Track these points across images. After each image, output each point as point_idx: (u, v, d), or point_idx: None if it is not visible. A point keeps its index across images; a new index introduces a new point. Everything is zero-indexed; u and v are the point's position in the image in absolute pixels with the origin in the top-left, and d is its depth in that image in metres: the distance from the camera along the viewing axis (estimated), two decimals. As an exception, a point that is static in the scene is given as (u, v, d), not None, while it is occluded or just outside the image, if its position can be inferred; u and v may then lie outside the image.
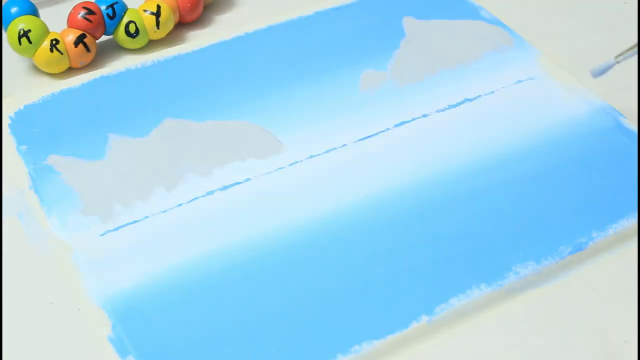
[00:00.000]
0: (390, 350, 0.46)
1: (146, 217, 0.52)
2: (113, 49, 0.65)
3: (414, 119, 0.59)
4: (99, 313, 0.47)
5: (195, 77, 0.61)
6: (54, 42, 0.61)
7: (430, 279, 0.49)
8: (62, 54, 0.61)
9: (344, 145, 0.57)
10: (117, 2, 0.63)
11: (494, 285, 0.49)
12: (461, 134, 0.57)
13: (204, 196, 0.53)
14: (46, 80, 0.62)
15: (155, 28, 0.64)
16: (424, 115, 0.59)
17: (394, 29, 0.66)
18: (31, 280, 0.49)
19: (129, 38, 0.63)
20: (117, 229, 0.51)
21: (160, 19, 0.64)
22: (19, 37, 0.60)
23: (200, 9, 0.67)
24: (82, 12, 0.62)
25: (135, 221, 0.52)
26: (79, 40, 0.61)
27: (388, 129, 0.58)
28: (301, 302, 0.48)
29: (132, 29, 0.63)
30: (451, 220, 0.52)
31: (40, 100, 0.59)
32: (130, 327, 0.46)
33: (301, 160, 0.56)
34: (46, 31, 0.61)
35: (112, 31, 0.63)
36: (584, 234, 0.51)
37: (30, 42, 0.60)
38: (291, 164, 0.55)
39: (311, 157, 0.56)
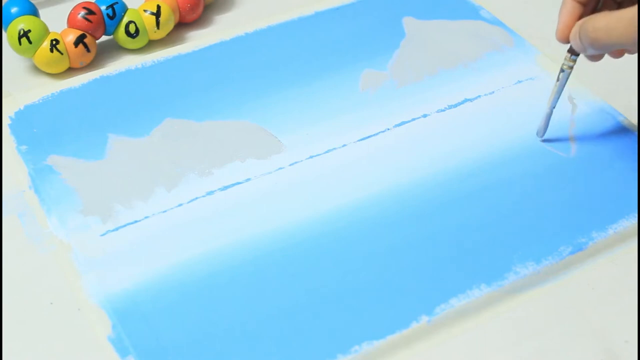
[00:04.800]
0: (390, 350, 0.46)
1: (146, 217, 0.52)
2: (113, 49, 0.65)
3: (414, 119, 0.59)
4: (99, 313, 0.47)
5: (195, 77, 0.61)
6: (54, 42, 0.61)
7: (430, 279, 0.49)
8: (62, 54, 0.61)
9: (344, 145, 0.57)
10: (117, 2, 0.63)
11: (494, 285, 0.49)
12: (461, 134, 0.57)
13: (204, 196, 0.53)
14: (46, 80, 0.62)
15: (155, 28, 0.64)
16: (424, 115, 0.59)
17: (394, 29, 0.66)
18: (31, 280, 0.49)
19: (129, 38, 0.63)
20: (117, 229, 0.51)
21: (160, 19, 0.64)
22: (19, 37, 0.60)
23: (200, 9, 0.67)
24: (82, 12, 0.62)
25: (135, 221, 0.52)
26: (79, 40, 0.61)
27: (388, 129, 0.58)
28: (301, 302, 0.48)
29: (132, 29, 0.63)
30: (451, 220, 0.52)
31: (40, 100, 0.59)
32: (130, 327, 0.46)
33: (301, 160, 0.56)
34: (46, 31, 0.61)
35: (112, 31, 0.63)
36: (584, 234, 0.51)
37: (30, 42, 0.60)
38: (291, 164, 0.55)
39: (311, 157, 0.56)
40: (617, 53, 0.53)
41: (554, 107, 0.56)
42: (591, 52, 0.50)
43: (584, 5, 0.52)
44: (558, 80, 0.54)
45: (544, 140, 0.56)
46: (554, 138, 0.57)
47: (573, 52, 0.53)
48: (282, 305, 0.48)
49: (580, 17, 0.51)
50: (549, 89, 0.61)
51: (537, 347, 0.47)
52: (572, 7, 0.52)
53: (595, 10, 0.52)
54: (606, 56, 0.53)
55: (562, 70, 0.54)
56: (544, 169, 0.55)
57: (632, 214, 0.53)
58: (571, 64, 0.54)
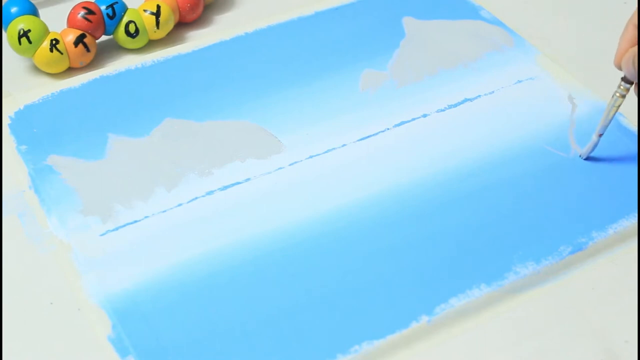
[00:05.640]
0: (390, 350, 0.46)
1: (146, 217, 0.52)
2: (113, 49, 0.65)
3: (414, 119, 0.59)
4: (99, 313, 0.47)
5: (195, 77, 0.61)
6: (53, 42, 0.61)
7: (430, 279, 0.49)
8: (62, 54, 0.61)
9: (344, 145, 0.57)
10: (117, 2, 0.63)
11: (494, 285, 0.49)
12: (461, 134, 0.57)
13: (204, 196, 0.53)
14: (46, 80, 0.62)
15: (155, 28, 0.64)
16: (424, 115, 0.59)
17: (394, 29, 0.66)
18: (31, 280, 0.49)
19: (129, 38, 0.63)
20: (117, 229, 0.51)
21: (160, 19, 0.64)
22: (19, 37, 0.60)
23: (200, 9, 0.67)
24: (82, 12, 0.62)
25: (135, 221, 0.52)
26: (79, 40, 0.61)
27: (388, 129, 0.58)
28: (301, 302, 0.48)
29: (132, 29, 0.63)
30: (451, 220, 0.52)
31: (40, 100, 0.59)
32: (130, 327, 0.46)
33: (301, 160, 0.56)
34: (46, 31, 0.61)
35: (112, 31, 0.63)
36: (584, 234, 0.51)
37: (30, 42, 0.60)
38: (291, 164, 0.55)
39: (311, 157, 0.56)
40: None
41: (601, 135, 0.54)
42: None
43: None
44: (608, 107, 0.53)
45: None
46: (554, 138, 0.57)
47: (627, 81, 0.51)
48: (282, 305, 0.48)
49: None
50: (549, 89, 0.61)
51: (537, 347, 0.47)
52: (633, 34, 0.50)
53: None
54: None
55: (613, 98, 0.52)
56: (544, 169, 0.55)
57: (632, 214, 0.53)
58: (624, 92, 0.52)
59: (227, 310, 0.47)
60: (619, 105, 0.53)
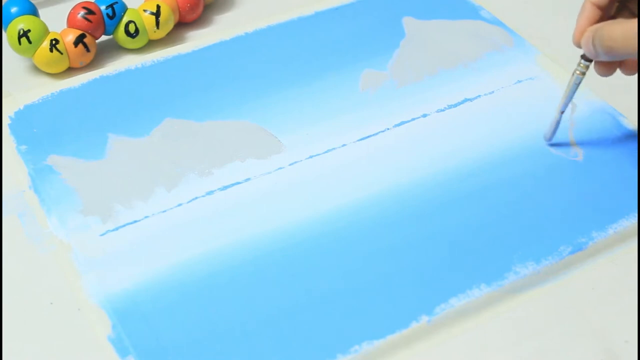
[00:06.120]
0: (390, 350, 0.46)
1: (146, 217, 0.52)
2: (113, 49, 0.65)
3: (414, 119, 0.59)
4: (99, 313, 0.47)
5: (195, 77, 0.61)
6: (53, 42, 0.61)
7: (430, 279, 0.49)
8: (61, 53, 0.61)
9: (344, 145, 0.57)
10: (116, 2, 0.63)
11: (494, 285, 0.49)
12: (461, 134, 0.57)
13: (204, 196, 0.53)
14: (46, 80, 0.62)
15: (155, 28, 0.64)
16: (424, 115, 0.59)
17: (394, 29, 0.66)
18: (31, 280, 0.49)
19: (129, 38, 0.63)
20: (117, 229, 0.51)
21: (160, 19, 0.64)
22: (19, 37, 0.60)
23: (200, 9, 0.67)
24: (82, 12, 0.62)
25: (135, 221, 0.52)
26: (79, 40, 0.61)
27: (388, 129, 0.58)
28: (301, 302, 0.48)
29: (132, 29, 0.63)
30: (451, 220, 0.52)
31: (40, 100, 0.59)
32: (130, 327, 0.46)
33: (301, 160, 0.56)
34: (46, 31, 0.61)
35: (112, 31, 0.63)
36: (584, 234, 0.51)
37: (30, 42, 0.60)
38: (291, 164, 0.55)
39: (311, 157, 0.56)
40: (631, 67, 0.52)
41: (562, 112, 0.55)
42: (604, 58, 0.50)
43: (602, 10, 0.51)
44: (569, 85, 0.54)
45: (552, 145, 0.56)
46: (554, 138, 0.57)
47: (586, 59, 0.52)
48: (282, 305, 0.48)
49: (597, 22, 0.51)
50: (549, 89, 0.61)
51: (537, 347, 0.47)
52: (591, 12, 0.51)
53: (611, 16, 0.52)
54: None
55: (574, 76, 0.53)
56: (544, 169, 0.55)
57: (632, 214, 0.53)
58: (584, 70, 0.53)
59: (227, 310, 0.47)
60: (579, 83, 0.54)
